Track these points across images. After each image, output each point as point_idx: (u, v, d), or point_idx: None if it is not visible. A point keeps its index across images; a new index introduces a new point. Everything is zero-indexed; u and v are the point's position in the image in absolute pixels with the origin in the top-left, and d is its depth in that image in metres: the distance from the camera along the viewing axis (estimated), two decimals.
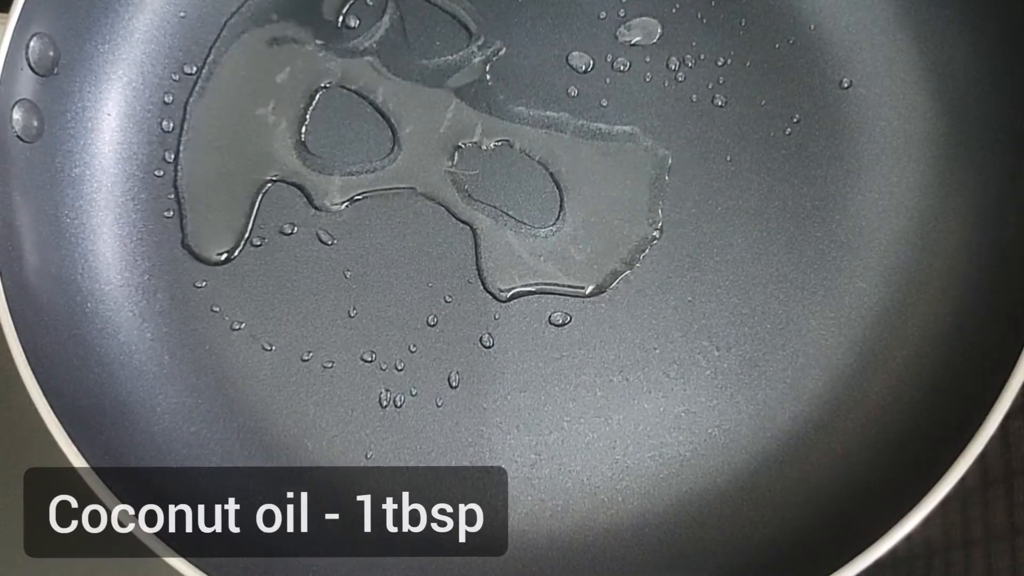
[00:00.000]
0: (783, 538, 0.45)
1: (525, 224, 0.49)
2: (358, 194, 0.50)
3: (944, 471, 0.39)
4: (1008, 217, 0.45)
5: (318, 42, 0.52)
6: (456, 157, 0.50)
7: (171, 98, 0.51)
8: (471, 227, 0.49)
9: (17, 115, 0.46)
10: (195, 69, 0.52)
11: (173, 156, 0.51)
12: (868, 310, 0.48)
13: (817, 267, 0.48)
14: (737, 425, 0.47)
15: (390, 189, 0.50)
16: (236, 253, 0.50)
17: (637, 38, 0.51)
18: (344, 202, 0.50)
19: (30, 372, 0.42)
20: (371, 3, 0.52)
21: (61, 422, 0.41)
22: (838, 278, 0.48)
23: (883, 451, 0.45)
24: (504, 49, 0.51)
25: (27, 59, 0.47)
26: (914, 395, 0.46)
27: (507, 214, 0.49)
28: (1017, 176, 0.46)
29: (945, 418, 0.43)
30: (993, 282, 0.45)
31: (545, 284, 0.49)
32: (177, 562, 0.40)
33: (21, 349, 0.42)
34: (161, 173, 0.51)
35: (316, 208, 0.50)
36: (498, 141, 0.50)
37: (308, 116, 0.51)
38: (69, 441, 0.41)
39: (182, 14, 0.52)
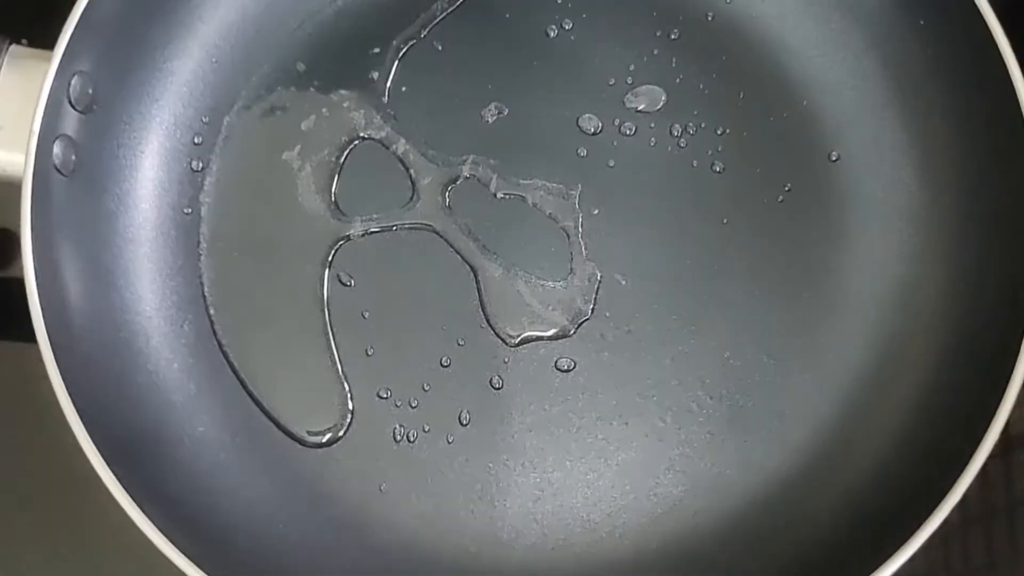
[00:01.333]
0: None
1: (535, 276, 0.52)
2: (376, 227, 0.53)
3: (926, 515, 0.43)
4: (985, 285, 0.49)
5: (343, 92, 0.55)
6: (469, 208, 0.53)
7: (200, 140, 0.54)
8: (477, 273, 0.52)
9: (57, 149, 0.48)
10: (223, 113, 0.54)
11: (201, 195, 0.54)
12: (851, 367, 0.51)
13: (805, 325, 0.52)
14: (727, 469, 0.51)
15: (409, 225, 0.53)
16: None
17: (643, 104, 0.55)
18: (363, 233, 0.53)
19: (68, 400, 0.44)
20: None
21: (99, 452, 0.43)
22: (824, 336, 0.52)
23: (866, 497, 0.48)
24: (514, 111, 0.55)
25: (68, 96, 0.49)
26: (894, 446, 0.49)
27: (517, 266, 0.52)
28: (992, 246, 0.50)
29: (925, 468, 0.47)
30: (971, 345, 0.49)
31: (554, 331, 0.52)
32: None
33: (60, 377, 0.44)
34: (190, 211, 0.53)
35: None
36: (511, 194, 0.53)
37: (336, 163, 0.54)
38: (106, 467, 0.43)
39: (215, 60, 0.55)
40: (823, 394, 0.51)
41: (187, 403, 0.50)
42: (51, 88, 0.47)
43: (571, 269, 0.53)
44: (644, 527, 0.50)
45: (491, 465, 0.50)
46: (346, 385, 0.51)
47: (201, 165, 0.54)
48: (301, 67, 0.56)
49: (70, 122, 0.49)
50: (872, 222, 0.53)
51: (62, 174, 0.49)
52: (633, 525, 0.50)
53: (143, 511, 0.43)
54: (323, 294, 0.52)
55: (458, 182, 0.54)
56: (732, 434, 0.51)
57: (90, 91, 0.50)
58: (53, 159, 0.48)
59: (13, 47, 0.50)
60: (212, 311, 0.52)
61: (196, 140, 0.54)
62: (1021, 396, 0.45)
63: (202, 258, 0.53)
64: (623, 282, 0.53)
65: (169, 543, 0.42)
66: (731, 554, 0.49)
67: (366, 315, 0.52)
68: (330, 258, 0.53)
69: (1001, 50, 0.48)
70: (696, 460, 0.51)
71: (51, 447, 0.45)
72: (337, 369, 0.51)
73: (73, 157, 0.49)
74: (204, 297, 0.52)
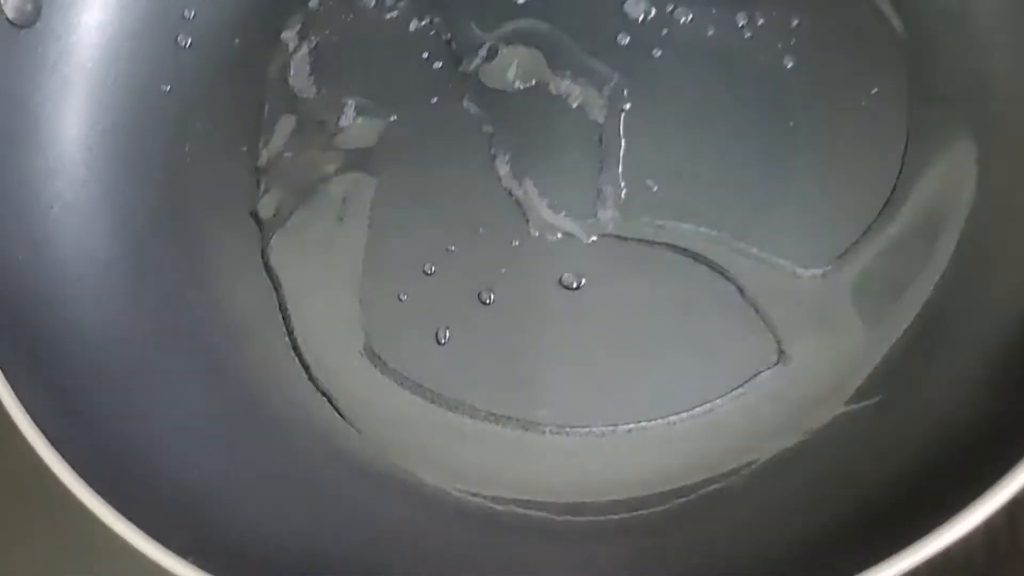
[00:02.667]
0: None
1: (550, 174, 0.44)
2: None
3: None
4: None
5: None
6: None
7: (192, 13, 0.48)
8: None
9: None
10: None
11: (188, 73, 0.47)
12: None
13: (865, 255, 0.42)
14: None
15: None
16: None
17: None
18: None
19: None
20: None
21: None
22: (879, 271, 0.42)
23: (819, 510, 0.38)
24: None
25: None
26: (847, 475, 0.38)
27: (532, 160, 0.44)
28: None
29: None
30: None
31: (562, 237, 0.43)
32: None
33: None
34: (168, 88, 0.47)
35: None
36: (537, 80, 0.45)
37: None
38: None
39: None
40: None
41: (128, 289, 0.43)
42: None
43: (593, 169, 0.43)
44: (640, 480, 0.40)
45: (466, 393, 0.41)
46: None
47: (190, 41, 0.47)
48: None
49: None
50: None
51: (14, 24, 0.43)
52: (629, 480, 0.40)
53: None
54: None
55: (479, 63, 0.46)
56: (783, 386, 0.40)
57: None
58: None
59: None
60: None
61: (187, 13, 0.48)
62: None
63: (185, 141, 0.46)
64: (654, 188, 0.43)
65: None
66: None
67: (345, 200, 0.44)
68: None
69: None
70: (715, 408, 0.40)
71: None
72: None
73: (29, 6, 0.44)
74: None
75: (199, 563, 0.33)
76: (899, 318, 0.40)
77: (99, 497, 0.34)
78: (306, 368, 0.43)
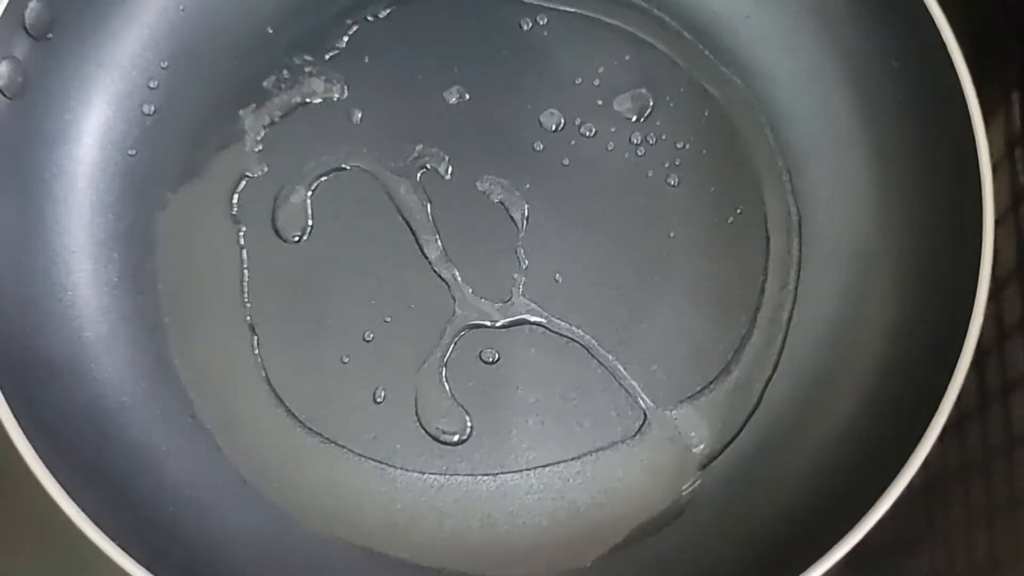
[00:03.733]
0: None
1: (472, 261, 0.52)
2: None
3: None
4: (924, 331, 0.48)
5: (307, 57, 0.54)
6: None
7: (156, 84, 0.53)
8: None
9: (3, 69, 0.48)
10: (184, 61, 0.54)
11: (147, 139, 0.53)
12: (781, 400, 0.51)
13: (733, 350, 0.51)
14: (635, 479, 0.50)
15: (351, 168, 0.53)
16: None
17: (616, 107, 0.54)
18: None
19: None
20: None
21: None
22: (752, 368, 0.51)
23: (771, 523, 0.47)
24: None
25: (23, 19, 0.48)
26: (807, 477, 0.48)
27: (456, 247, 0.52)
28: (934, 294, 0.48)
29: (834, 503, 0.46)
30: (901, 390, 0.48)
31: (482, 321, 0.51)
32: None
33: None
34: (134, 153, 0.52)
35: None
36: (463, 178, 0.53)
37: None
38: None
39: (182, 8, 0.54)
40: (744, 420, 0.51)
41: (98, 340, 0.49)
42: (5, 9, 0.47)
43: (510, 260, 0.52)
44: (544, 527, 0.49)
45: (398, 446, 0.49)
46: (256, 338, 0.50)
47: (153, 109, 0.53)
48: (269, 30, 0.55)
49: (21, 46, 0.48)
50: (820, 257, 0.52)
51: (5, 95, 0.48)
52: (532, 525, 0.49)
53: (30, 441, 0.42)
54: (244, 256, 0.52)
55: (409, 159, 0.53)
56: (643, 447, 0.50)
57: (48, 15, 0.49)
58: None
59: None
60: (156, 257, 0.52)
61: (151, 84, 0.53)
62: (1022, 394, 0.46)
63: (141, 201, 0.52)
64: (559, 280, 0.52)
65: (48, 471, 0.41)
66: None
67: (291, 275, 0.51)
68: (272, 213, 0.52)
69: (968, 102, 0.47)
70: (607, 468, 0.49)
71: None
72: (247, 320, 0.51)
73: (20, 79, 0.49)
74: (139, 239, 0.52)
75: None
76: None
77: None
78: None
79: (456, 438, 0.49)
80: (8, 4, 0.47)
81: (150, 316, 0.50)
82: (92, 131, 0.52)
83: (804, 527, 0.46)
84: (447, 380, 0.50)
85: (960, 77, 0.47)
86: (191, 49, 0.54)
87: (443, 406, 0.50)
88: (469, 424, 0.50)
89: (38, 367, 0.46)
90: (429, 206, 0.52)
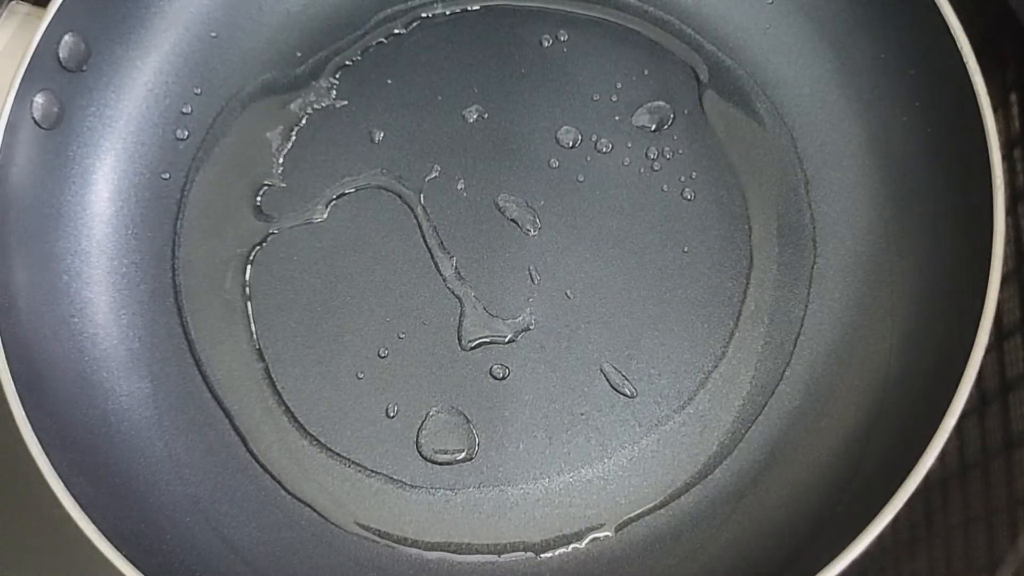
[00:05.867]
0: None
1: (485, 278, 0.53)
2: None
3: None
4: (929, 348, 0.47)
5: (332, 80, 0.56)
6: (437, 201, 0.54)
7: (189, 109, 0.56)
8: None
9: (40, 100, 0.50)
10: (217, 87, 0.56)
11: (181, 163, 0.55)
12: (786, 413, 0.50)
13: (749, 368, 0.51)
14: (645, 497, 0.50)
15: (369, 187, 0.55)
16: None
17: (636, 122, 0.55)
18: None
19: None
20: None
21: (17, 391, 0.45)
22: (765, 382, 0.51)
23: (776, 537, 0.47)
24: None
25: (58, 52, 0.50)
26: (812, 492, 0.48)
27: (469, 265, 0.53)
28: (940, 319, 0.48)
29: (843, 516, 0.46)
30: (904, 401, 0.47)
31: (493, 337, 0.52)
32: None
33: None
34: (168, 176, 0.55)
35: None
36: (479, 195, 0.54)
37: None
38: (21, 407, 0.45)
39: (214, 34, 0.56)
40: (750, 434, 0.50)
41: (128, 357, 0.51)
42: (39, 43, 0.49)
43: (522, 277, 0.53)
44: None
45: (409, 460, 0.51)
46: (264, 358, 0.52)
47: (186, 134, 0.56)
48: (298, 54, 0.57)
49: (57, 78, 0.51)
50: (833, 268, 0.52)
51: (42, 127, 0.51)
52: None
53: (47, 454, 0.44)
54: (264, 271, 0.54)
55: (427, 178, 0.54)
56: (652, 462, 0.50)
57: (83, 48, 0.52)
58: (32, 112, 0.50)
59: (13, 3, 0.52)
60: (179, 276, 0.54)
61: (184, 109, 0.56)
62: (1020, 394, 0.46)
63: (178, 223, 0.55)
64: (570, 296, 0.52)
65: (64, 486, 0.44)
66: None
67: (307, 292, 0.53)
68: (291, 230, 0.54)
69: (982, 110, 0.46)
70: (615, 482, 0.50)
71: None
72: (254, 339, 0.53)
73: (55, 110, 0.51)
74: (173, 259, 0.54)
75: None
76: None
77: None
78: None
79: (463, 455, 0.50)
80: (42, 38, 0.49)
81: (175, 334, 0.53)
82: (126, 157, 0.54)
83: (804, 539, 0.46)
84: (457, 396, 0.51)
85: (975, 85, 0.47)
86: (223, 75, 0.56)
87: (452, 423, 0.51)
88: (478, 442, 0.50)
89: (64, 383, 0.49)
90: (444, 224, 0.53)
